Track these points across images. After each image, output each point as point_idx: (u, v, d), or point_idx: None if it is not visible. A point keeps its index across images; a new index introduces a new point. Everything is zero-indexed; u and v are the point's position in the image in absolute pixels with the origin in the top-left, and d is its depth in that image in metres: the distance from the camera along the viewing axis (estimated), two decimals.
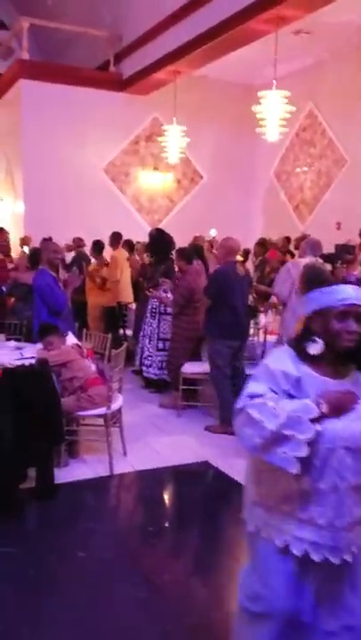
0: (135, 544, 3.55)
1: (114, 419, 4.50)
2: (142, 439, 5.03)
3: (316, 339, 1.93)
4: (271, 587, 1.99)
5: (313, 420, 1.81)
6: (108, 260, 8.38)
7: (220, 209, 11.80)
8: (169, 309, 6.18)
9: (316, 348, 1.92)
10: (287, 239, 9.48)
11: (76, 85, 10.95)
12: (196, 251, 6.74)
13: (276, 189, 12.09)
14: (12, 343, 5.32)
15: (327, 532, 1.90)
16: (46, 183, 10.87)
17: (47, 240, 7.57)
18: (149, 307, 6.44)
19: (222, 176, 12.30)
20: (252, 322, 6.00)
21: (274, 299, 5.89)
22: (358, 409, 1.87)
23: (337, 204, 10.24)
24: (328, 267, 5.59)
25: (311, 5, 7.06)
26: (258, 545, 2.04)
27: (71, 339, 4.93)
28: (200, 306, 5.61)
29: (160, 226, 10.09)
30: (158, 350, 6.32)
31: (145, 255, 7.84)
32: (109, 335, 5.67)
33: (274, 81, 7.90)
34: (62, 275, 5.81)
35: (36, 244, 8.76)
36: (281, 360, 1.96)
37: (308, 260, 5.03)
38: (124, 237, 8.63)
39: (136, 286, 7.82)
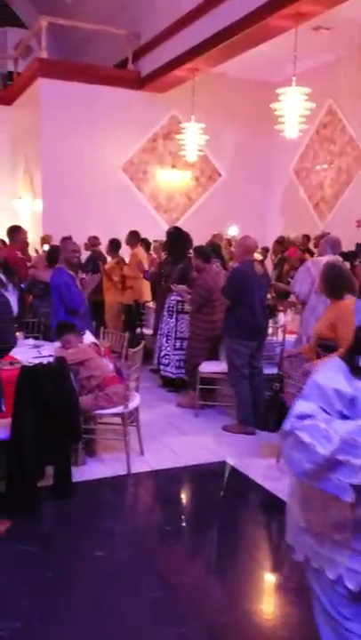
0: (152, 544, 3.54)
1: (131, 417, 4.49)
2: (159, 438, 5.01)
3: None
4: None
5: None
6: (125, 258, 8.36)
7: (238, 207, 11.76)
8: (187, 308, 6.15)
9: None
10: (306, 237, 9.41)
11: (94, 84, 10.99)
12: (213, 249, 6.71)
13: (296, 187, 12.00)
14: (31, 341, 5.34)
15: None
16: (64, 182, 10.90)
17: (67, 239, 7.57)
18: (167, 305, 6.42)
19: (241, 174, 12.25)
20: (271, 321, 5.94)
21: (293, 297, 5.83)
22: None
23: (357, 201, 10.13)
24: (347, 265, 5.52)
25: (331, 1, 6.99)
26: (312, 577, 1.92)
27: (89, 337, 4.93)
28: (218, 305, 5.58)
29: (178, 224, 10.09)
30: (176, 349, 6.29)
31: (162, 254, 7.81)
32: (127, 334, 5.67)
33: (294, 78, 7.84)
34: (80, 274, 5.81)
35: (56, 242, 8.76)
36: (333, 376, 1.77)
37: (328, 258, 4.98)
38: (142, 236, 8.60)
39: (154, 285, 7.80)
